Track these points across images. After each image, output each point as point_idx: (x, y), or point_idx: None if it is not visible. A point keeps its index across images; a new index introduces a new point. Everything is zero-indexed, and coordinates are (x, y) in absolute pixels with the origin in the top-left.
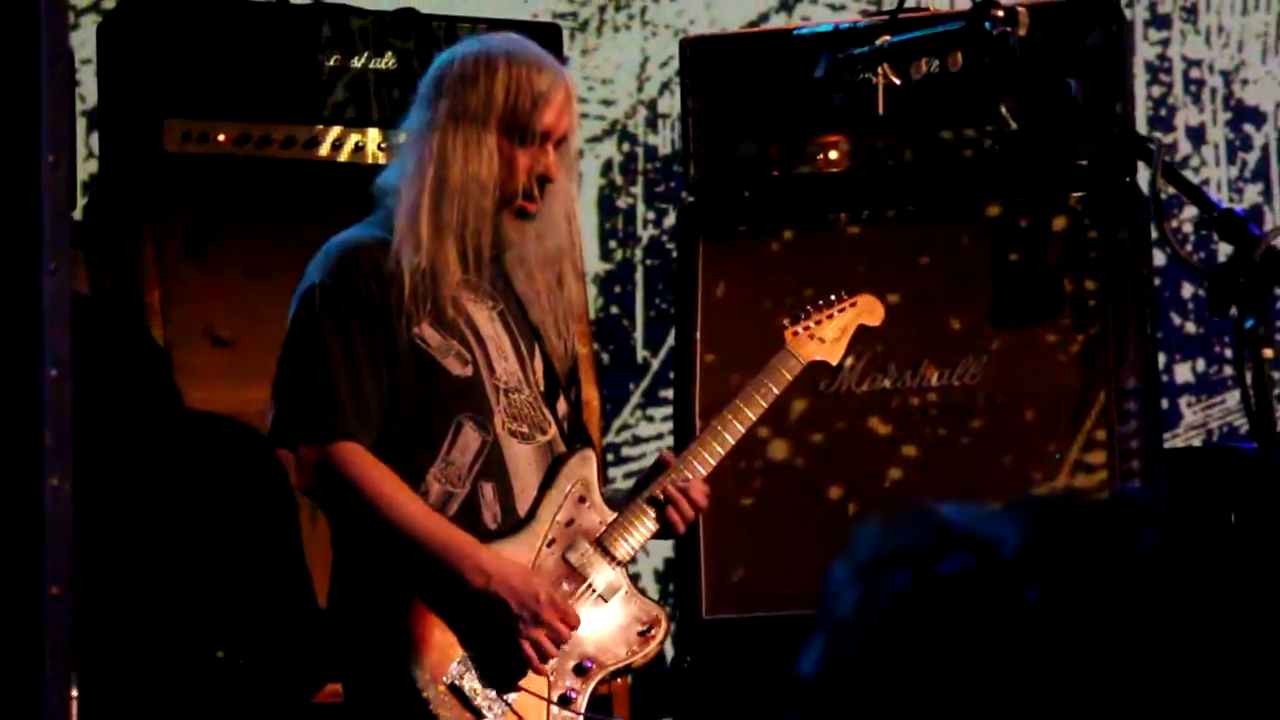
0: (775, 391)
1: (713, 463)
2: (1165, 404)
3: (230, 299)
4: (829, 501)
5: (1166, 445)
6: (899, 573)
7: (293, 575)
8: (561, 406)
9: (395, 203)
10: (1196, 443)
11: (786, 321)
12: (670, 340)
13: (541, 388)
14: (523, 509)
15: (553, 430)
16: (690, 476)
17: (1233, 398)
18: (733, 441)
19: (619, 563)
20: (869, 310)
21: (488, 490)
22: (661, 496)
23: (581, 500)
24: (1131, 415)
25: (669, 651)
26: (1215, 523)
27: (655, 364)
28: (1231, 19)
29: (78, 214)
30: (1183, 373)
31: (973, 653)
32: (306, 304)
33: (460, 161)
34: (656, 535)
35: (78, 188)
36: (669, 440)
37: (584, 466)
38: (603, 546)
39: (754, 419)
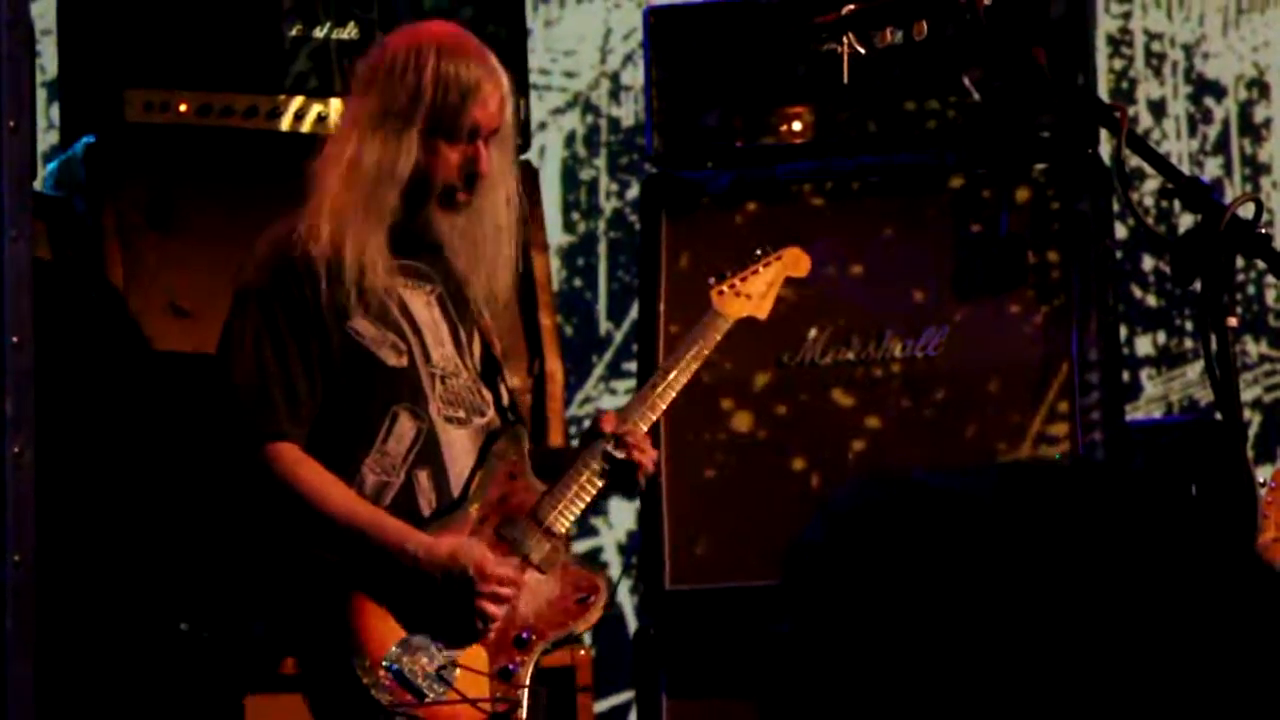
0: (706, 352)
1: (644, 429)
2: (1126, 376)
3: (192, 270)
4: (792, 473)
5: (1128, 417)
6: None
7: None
8: (503, 387)
9: (312, 189)
10: (1157, 414)
11: (712, 280)
12: (633, 313)
13: (479, 369)
14: (458, 492)
15: (491, 412)
16: (633, 429)
17: (1193, 370)
18: (664, 406)
19: (554, 535)
20: (794, 262)
21: (423, 478)
22: (605, 459)
23: (512, 476)
24: (1093, 387)
25: (632, 623)
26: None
27: (618, 337)
28: None
29: (39, 185)
30: (1144, 345)
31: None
32: (240, 309)
33: (376, 154)
34: (610, 495)
35: (38, 158)
36: None
37: (514, 443)
38: (536, 519)
39: (685, 382)
